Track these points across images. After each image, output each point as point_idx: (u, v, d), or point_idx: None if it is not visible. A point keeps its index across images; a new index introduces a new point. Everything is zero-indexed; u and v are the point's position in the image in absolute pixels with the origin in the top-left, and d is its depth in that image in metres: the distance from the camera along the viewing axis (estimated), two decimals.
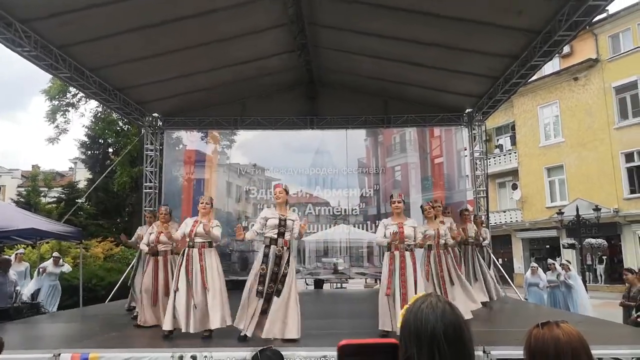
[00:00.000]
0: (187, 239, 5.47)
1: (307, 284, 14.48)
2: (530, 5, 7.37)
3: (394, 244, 5.21)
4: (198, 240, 5.42)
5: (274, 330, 4.86)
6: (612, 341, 4.75)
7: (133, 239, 7.81)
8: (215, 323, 5.21)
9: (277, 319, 4.87)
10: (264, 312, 4.90)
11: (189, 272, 5.31)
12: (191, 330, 5.14)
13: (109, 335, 5.79)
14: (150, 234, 6.44)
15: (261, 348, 4.03)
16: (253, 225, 5.50)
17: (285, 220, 5.11)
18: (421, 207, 6.65)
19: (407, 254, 5.18)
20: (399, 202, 5.45)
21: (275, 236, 5.07)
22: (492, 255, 9.59)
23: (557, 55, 13.05)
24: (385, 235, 5.31)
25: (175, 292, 5.34)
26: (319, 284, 13.56)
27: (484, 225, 9.43)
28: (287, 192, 5.30)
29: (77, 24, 7.59)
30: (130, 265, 9.87)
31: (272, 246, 5.05)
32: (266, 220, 5.15)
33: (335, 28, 9.45)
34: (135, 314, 6.77)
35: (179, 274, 5.39)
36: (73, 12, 7.24)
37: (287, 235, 5.10)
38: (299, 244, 12.37)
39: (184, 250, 5.49)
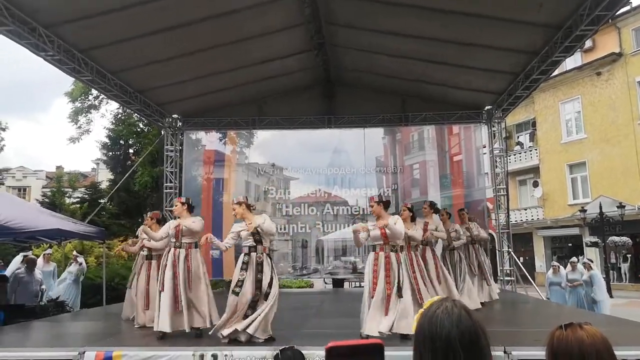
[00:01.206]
0: (173, 240, 5.52)
1: (325, 283, 14.51)
2: (551, 0, 7.25)
3: (379, 245, 5.15)
4: (185, 240, 5.50)
5: (258, 329, 4.91)
6: (636, 342, 4.65)
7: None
8: (200, 322, 5.35)
9: (262, 320, 4.94)
10: (246, 316, 4.94)
11: (175, 272, 5.37)
12: (182, 328, 5.24)
13: (132, 333, 5.90)
14: (143, 239, 6.57)
15: (282, 347, 4.08)
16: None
17: (256, 228, 5.10)
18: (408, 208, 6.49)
19: (393, 254, 5.11)
20: (371, 205, 5.45)
21: (254, 244, 5.10)
22: (512, 255, 9.44)
23: (578, 50, 12.81)
24: (368, 237, 5.21)
25: (160, 292, 5.41)
26: (338, 283, 13.58)
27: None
28: (247, 205, 5.30)
29: (98, 28, 7.74)
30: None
31: (251, 254, 5.08)
32: (238, 234, 5.20)
33: (352, 27, 9.45)
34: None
35: (164, 274, 5.44)
36: (94, 17, 7.40)
37: (265, 242, 5.14)
38: (317, 243, 12.41)
39: (169, 251, 5.55)
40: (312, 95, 12.19)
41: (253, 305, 4.97)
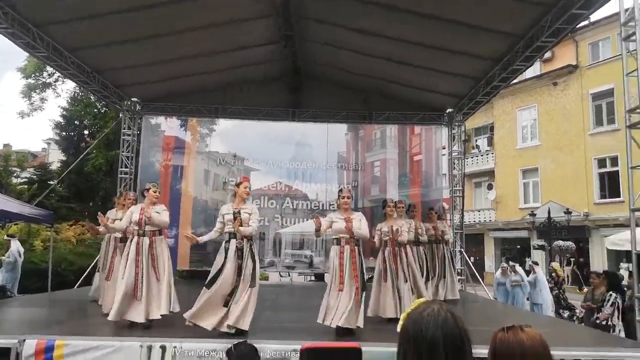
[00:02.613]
0: (136, 227, 5.35)
1: (281, 276, 14.49)
2: (515, 9, 7.46)
3: (344, 239, 5.20)
4: (148, 228, 5.34)
5: (238, 320, 4.81)
6: (573, 343, 4.88)
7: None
8: (162, 310, 5.19)
9: (240, 309, 4.83)
10: (226, 304, 4.85)
11: (137, 261, 5.23)
12: (137, 320, 5.09)
13: (76, 322, 5.71)
14: (114, 220, 6.28)
15: (236, 342, 4.02)
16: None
17: (238, 212, 5.04)
18: (383, 201, 6.61)
19: (357, 249, 5.21)
20: (347, 198, 5.48)
21: (234, 230, 5.02)
22: (464, 254, 9.72)
23: (538, 59, 13.27)
24: (331, 228, 5.28)
25: (121, 279, 5.27)
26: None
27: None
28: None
29: (56, 3, 7.39)
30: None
31: (231, 240, 5.01)
32: (223, 217, 5.11)
33: (322, 21, 9.42)
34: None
35: (126, 262, 5.31)
36: None
37: (244, 227, 5.03)
38: (275, 236, 12.35)
39: (132, 238, 5.40)
40: (277, 87, 12.08)
41: (230, 293, 4.87)
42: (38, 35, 8.15)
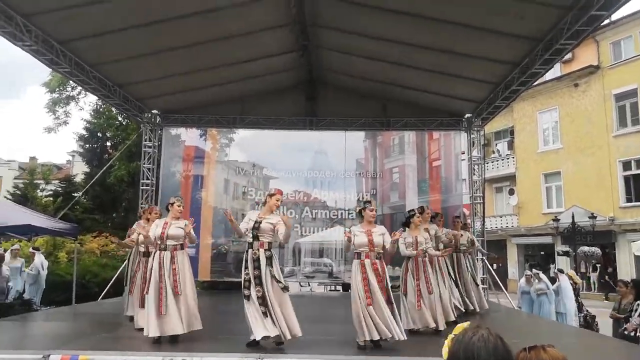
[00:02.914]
0: (158, 242, 5.34)
1: (301, 286, 14.45)
2: (532, 12, 7.35)
3: (364, 252, 5.13)
4: (170, 242, 5.31)
5: (285, 331, 4.82)
6: (601, 357, 4.73)
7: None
8: (185, 327, 5.14)
9: (284, 320, 4.84)
10: (265, 314, 4.82)
11: (160, 275, 5.21)
12: (158, 334, 5.05)
13: (99, 336, 5.74)
14: (139, 234, 6.31)
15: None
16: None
17: (260, 222, 5.04)
18: (410, 211, 6.52)
19: (378, 262, 5.12)
20: (372, 210, 5.37)
21: (251, 239, 5.03)
22: (487, 264, 9.54)
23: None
24: (353, 242, 5.20)
25: (146, 294, 5.29)
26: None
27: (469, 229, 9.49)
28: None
29: (78, 19, 7.56)
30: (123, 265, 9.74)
31: (249, 250, 5.03)
32: (247, 223, 5.12)
33: (338, 30, 9.44)
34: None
35: (150, 277, 5.32)
36: (75, 8, 7.23)
37: (263, 238, 5.03)
38: (294, 245, 12.35)
39: (155, 253, 5.40)
40: (294, 96, 12.13)
41: (262, 302, 4.85)
42: (61, 52, 8.35)
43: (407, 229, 6.23)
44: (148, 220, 6.73)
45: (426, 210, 7.25)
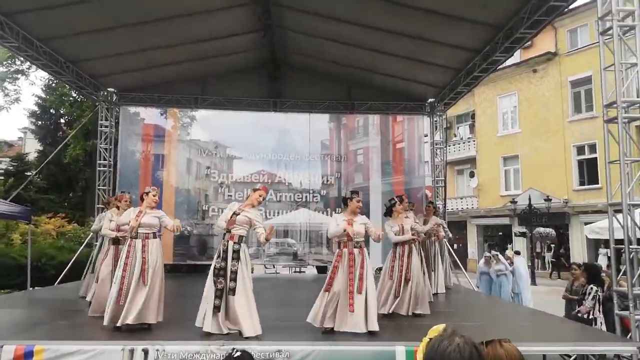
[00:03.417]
0: (130, 229, 5.26)
1: (266, 268, 14.46)
2: (494, 1, 7.44)
3: (343, 241, 5.18)
4: (142, 231, 5.21)
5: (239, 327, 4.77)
6: (556, 337, 4.96)
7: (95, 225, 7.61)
8: (150, 319, 5.06)
9: (237, 318, 4.78)
10: (217, 309, 4.79)
11: (126, 264, 5.11)
12: (118, 324, 4.93)
13: (57, 324, 5.57)
14: (111, 221, 6.25)
15: (232, 349, 3.89)
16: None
17: (238, 214, 4.99)
18: (389, 201, 6.58)
19: (356, 250, 5.16)
20: (359, 201, 5.39)
21: (224, 231, 5.00)
22: (447, 245, 9.85)
23: None
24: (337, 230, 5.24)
25: (112, 283, 5.20)
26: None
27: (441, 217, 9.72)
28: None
29: None
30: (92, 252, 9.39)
31: (222, 241, 5.01)
32: (228, 213, 5.08)
33: (302, 11, 9.28)
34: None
35: (118, 264, 5.23)
36: None
37: (236, 230, 4.96)
38: None
39: (126, 241, 5.32)
40: (258, 77, 11.92)
41: (219, 295, 4.81)
42: (7, 25, 7.89)
43: (389, 217, 6.31)
44: (118, 208, 6.61)
45: (405, 200, 7.36)
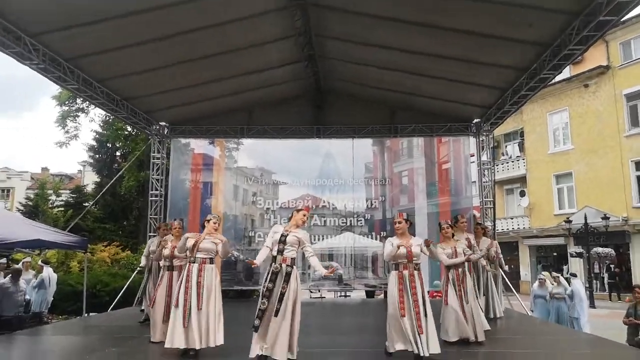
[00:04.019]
0: (189, 254, 5.43)
1: (311, 292, 14.42)
2: (540, 18, 7.28)
3: (403, 263, 5.15)
4: (200, 255, 5.38)
5: (270, 349, 4.76)
6: None
7: (144, 253, 7.91)
8: (206, 343, 5.16)
9: (273, 339, 4.77)
10: (255, 328, 4.79)
11: (187, 288, 5.27)
12: (182, 346, 5.11)
13: (108, 350, 5.74)
14: (165, 248, 6.40)
15: None
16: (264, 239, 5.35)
17: (286, 236, 5.02)
18: (439, 224, 6.52)
19: (416, 273, 5.13)
20: (399, 223, 5.37)
21: (276, 253, 4.98)
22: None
23: None
24: (393, 252, 5.20)
25: (175, 307, 5.32)
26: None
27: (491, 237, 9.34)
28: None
29: (85, 36, 7.61)
30: (142, 277, 9.70)
31: (272, 264, 4.98)
32: (272, 236, 5.09)
33: (343, 39, 9.42)
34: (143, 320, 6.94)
35: (178, 290, 5.37)
36: (81, 26, 7.28)
37: (287, 252, 4.97)
38: (304, 254, 12.30)
39: (186, 265, 5.46)
40: (301, 105, 12.14)
41: (260, 315, 4.82)
42: (68, 69, 8.43)
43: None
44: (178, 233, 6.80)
45: (460, 220, 7.17)
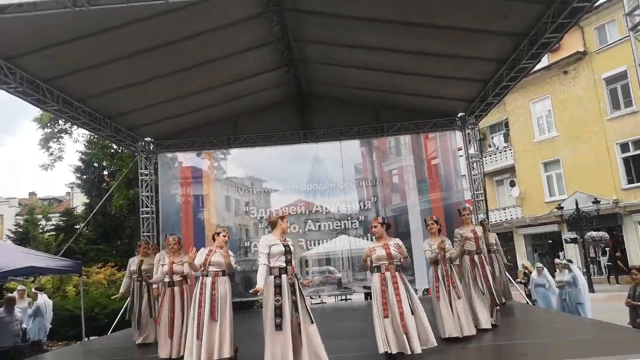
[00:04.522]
0: (202, 268, 5.51)
1: (311, 298, 14.36)
2: (515, 9, 7.37)
3: (384, 265, 5.17)
4: (212, 269, 5.45)
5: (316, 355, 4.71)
6: (622, 349, 4.67)
7: (126, 274, 7.81)
8: (221, 354, 5.15)
9: (314, 348, 4.71)
10: (300, 343, 4.69)
11: (200, 301, 5.33)
12: (195, 358, 5.08)
13: None
14: (163, 265, 6.40)
15: None
16: (258, 257, 5.04)
17: (288, 246, 5.01)
18: (425, 220, 6.53)
19: (397, 274, 5.15)
20: (375, 227, 5.44)
21: (284, 264, 4.88)
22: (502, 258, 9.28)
23: None
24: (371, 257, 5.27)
25: (191, 321, 5.38)
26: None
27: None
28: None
29: (61, 57, 7.56)
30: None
31: (282, 276, 4.84)
32: (269, 248, 4.96)
33: (322, 42, 9.45)
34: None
35: (192, 303, 5.47)
36: (56, 46, 7.22)
37: (294, 262, 4.98)
38: (301, 258, 12.29)
39: (198, 279, 5.54)
40: (286, 111, 12.14)
41: (299, 330, 4.71)
42: (47, 90, 8.35)
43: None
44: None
45: (463, 213, 7.12)
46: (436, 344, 4.96)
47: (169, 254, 6.59)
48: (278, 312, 4.70)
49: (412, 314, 4.97)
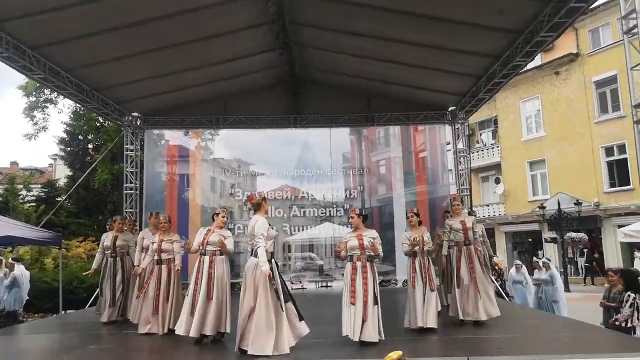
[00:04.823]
0: (200, 247, 5.59)
1: (292, 283, 14.41)
2: (512, 5, 7.36)
3: (356, 255, 5.32)
4: (209, 248, 5.53)
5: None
6: (594, 348, 4.77)
7: (99, 248, 7.65)
8: (223, 328, 5.42)
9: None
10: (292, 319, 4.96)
11: (197, 279, 5.45)
12: (190, 334, 5.28)
13: (86, 348, 5.62)
14: (153, 242, 6.38)
15: None
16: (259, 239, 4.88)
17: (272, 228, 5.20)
18: (406, 213, 6.66)
19: (369, 264, 5.32)
20: (352, 218, 5.66)
21: (272, 249, 5.07)
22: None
23: None
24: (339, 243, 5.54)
25: (184, 297, 5.58)
26: None
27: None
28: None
29: (51, 24, 7.38)
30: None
31: (272, 260, 4.99)
32: (268, 232, 5.02)
33: (317, 26, 9.36)
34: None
35: (190, 279, 5.58)
36: (47, 12, 7.03)
37: (270, 247, 5.06)
38: (284, 243, 12.29)
39: (197, 258, 5.64)
40: (277, 94, 12.04)
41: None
42: (34, 57, 8.15)
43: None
44: (156, 227, 6.75)
45: (453, 203, 7.12)
46: None
47: (155, 233, 6.56)
48: (277, 295, 4.89)
49: (375, 304, 5.17)
